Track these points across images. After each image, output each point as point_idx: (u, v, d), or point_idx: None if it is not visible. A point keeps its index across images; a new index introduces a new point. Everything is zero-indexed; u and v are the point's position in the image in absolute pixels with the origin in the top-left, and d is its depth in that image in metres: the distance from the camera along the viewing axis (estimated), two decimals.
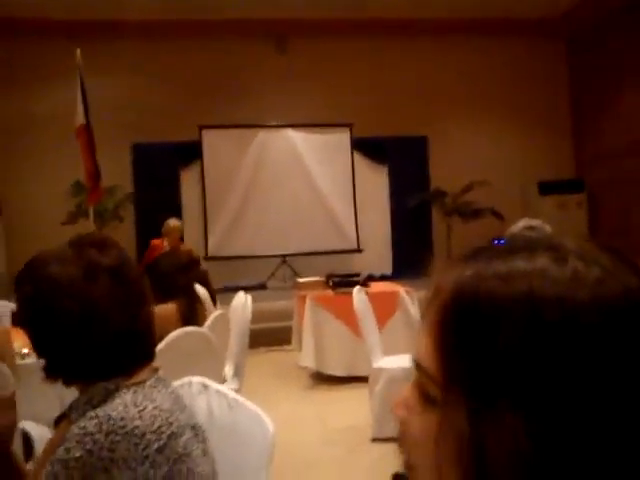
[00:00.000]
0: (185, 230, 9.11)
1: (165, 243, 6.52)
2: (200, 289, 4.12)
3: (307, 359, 5.45)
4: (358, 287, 4.40)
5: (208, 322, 3.35)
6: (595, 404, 0.45)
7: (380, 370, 4.06)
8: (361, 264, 9.00)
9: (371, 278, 7.74)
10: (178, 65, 9.06)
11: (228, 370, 4.18)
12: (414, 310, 4.71)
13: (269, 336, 6.79)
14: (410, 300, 5.36)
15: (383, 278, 8.70)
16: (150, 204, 8.73)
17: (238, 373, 4.15)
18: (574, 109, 10.60)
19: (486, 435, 0.47)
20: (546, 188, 10.01)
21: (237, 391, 4.04)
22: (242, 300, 4.41)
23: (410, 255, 9.14)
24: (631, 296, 0.49)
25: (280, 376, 5.93)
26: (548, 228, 3.02)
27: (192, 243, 9.04)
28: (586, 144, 10.37)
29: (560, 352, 0.46)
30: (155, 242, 6.73)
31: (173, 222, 6.66)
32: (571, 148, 10.61)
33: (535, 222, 3.08)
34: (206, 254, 8.94)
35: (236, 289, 9.20)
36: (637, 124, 8.95)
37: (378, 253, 9.48)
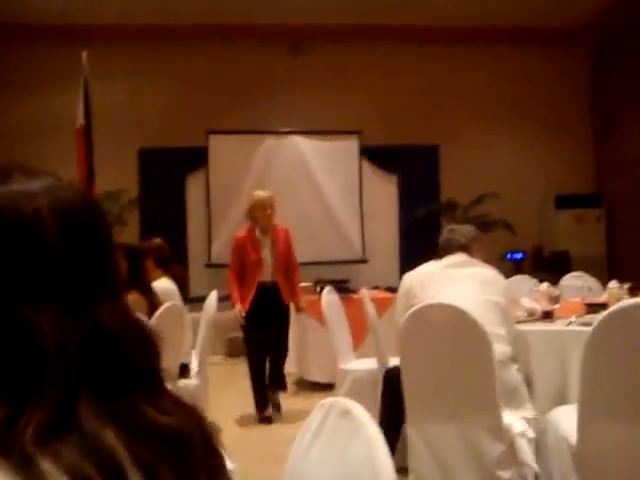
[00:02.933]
0: (189, 237, 9.12)
1: None
2: (168, 285, 4.05)
3: (290, 365, 5.31)
4: (328, 289, 4.26)
5: (157, 314, 3.26)
6: None
7: (345, 372, 3.91)
8: (368, 275, 8.81)
9: (377, 288, 7.60)
10: (186, 69, 9.04)
11: (193, 366, 4.13)
12: None
13: None
14: None
15: (390, 290, 8.50)
16: (155, 209, 8.70)
17: (202, 369, 4.07)
18: (594, 121, 10.31)
19: None
20: (563, 201, 9.71)
21: (198, 387, 3.94)
22: (212, 298, 4.34)
23: (418, 267, 8.92)
24: None
25: None
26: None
27: (196, 250, 9.04)
28: (606, 157, 10.06)
29: None
30: None
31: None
32: (590, 161, 10.30)
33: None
34: (209, 261, 8.86)
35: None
36: None
37: (385, 264, 9.27)
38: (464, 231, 3.31)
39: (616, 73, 9.77)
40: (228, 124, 8.99)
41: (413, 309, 2.70)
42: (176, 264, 5.04)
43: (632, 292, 3.62)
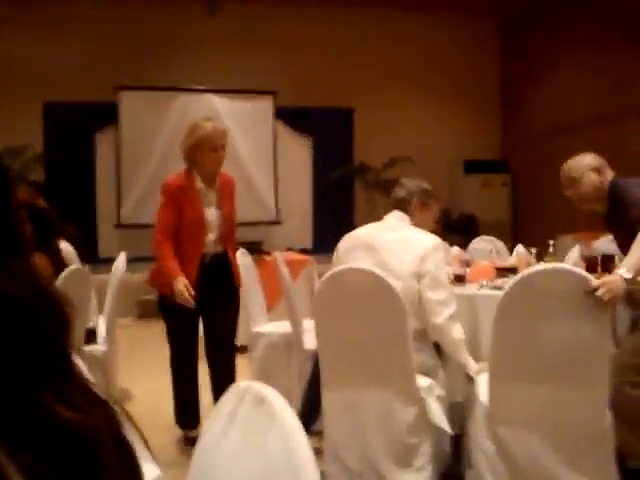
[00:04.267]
0: (98, 196, 8.78)
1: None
2: (65, 247, 3.89)
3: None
4: (241, 250, 4.20)
5: (60, 277, 3.11)
6: None
7: (259, 335, 3.89)
8: (281, 237, 8.80)
9: (290, 250, 7.60)
10: (97, 20, 8.54)
11: (101, 331, 4.00)
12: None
13: None
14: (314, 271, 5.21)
15: (303, 251, 8.51)
16: (61, 167, 8.31)
17: (110, 333, 3.95)
18: (504, 90, 10.58)
19: None
20: (472, 167, 9.99)
21: (106, 354, 3.82)
22: (121, 260, 4.20)
23: (331, 229, 8.97)
24: None
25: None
26: None
27: (105, 210, 8.72)
28: (513, 126, 10.37)
29: None
30: None
31: None
32: (499, 129, 10.60)
33: None
34: (118, 222, 8.58)
35: (150, 259, 8.89)
36: (562, 108, 8.96)
37: (298, 226, 9.28)
38: (408, 184, 3.10)
39: (524, 45, 10.02)
40: (140, 81, 8.63)
41: (329, 272, 2.68)
42: (69, 224, 4.83)
43: (539, 256, 3.76)
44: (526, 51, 9.93)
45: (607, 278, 2.34)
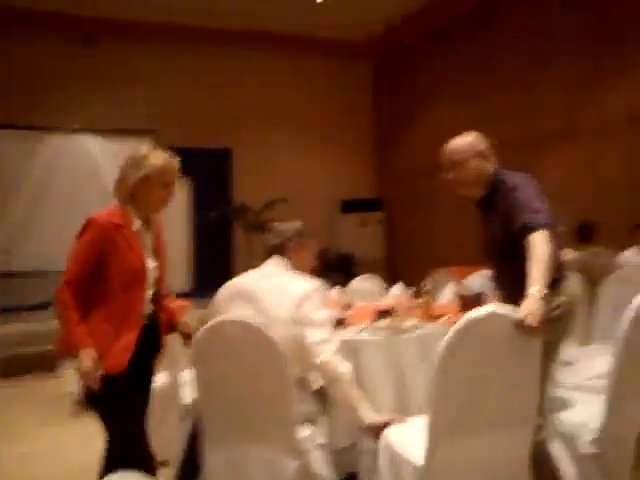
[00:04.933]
0: None
1: None
2: None
3: (71, 384, 4.93)
4: None
5: None
6: None
7: None
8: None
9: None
10: None
11: None
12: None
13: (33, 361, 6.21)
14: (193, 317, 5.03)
15: (182, 296, 8.27)
16: None
17: None
18: (376, 131, 10.95)
19: None
20: (348, 206, 10.23)
21: None
22: None
23: (211, 271, 8.84)
24: None
25: (42, 404, 5.38)
26: None
27: None
28: (387, 165, 10.74)
29: None
30: None
31: None
32: (373, 168, 10.93)
33: None
34: None
35: (17, 309, 8.28)
36: (433, 147, 9.36)
37: (176, 269, 9.05)
38: (281, 229, 3.00)
39: (396, 87, 10.46)
40: (11, 118, 8.17)
41: (208, 324, 2.60)
42: None
43: (417, 295, 3.83)
44: (398, 93, 10.37)
45: (526, 304, 2.23)
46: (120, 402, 2.55)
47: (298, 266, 2.96)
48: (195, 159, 9.29)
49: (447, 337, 2.14)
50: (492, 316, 2.17)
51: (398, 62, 10.40)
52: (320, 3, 8.76)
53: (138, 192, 2.68)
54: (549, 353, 2.48)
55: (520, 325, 2.16)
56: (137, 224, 2.69)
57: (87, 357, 2.43)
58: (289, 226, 3.05)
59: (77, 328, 2.47)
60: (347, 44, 10.26)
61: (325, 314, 2.74)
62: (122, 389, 2.53)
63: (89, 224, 2.58)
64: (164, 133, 8.86)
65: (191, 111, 9.26)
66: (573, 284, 2.70)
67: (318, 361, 2.61)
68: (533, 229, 2.44)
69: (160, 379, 3.66)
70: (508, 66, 8.24)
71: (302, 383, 2.72)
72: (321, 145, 10.32)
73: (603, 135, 7.07)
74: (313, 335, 2.63)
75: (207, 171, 9.39)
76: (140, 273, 2.62)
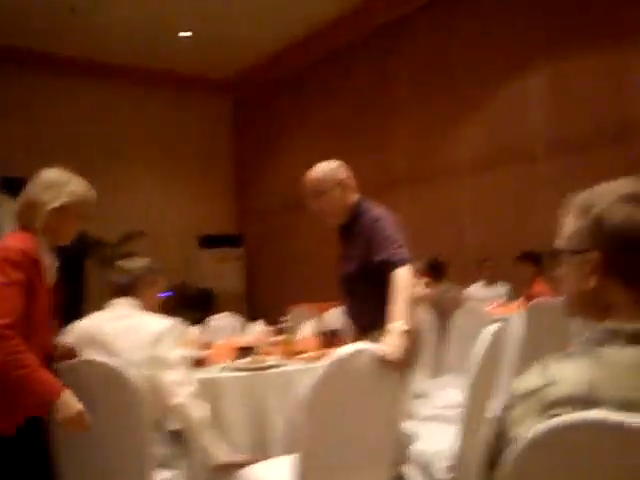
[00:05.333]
0: None
1: None
2: None
3: None
4: None
5: None
6: None
7: None
8: None
9: None
10: None
11: None
12: None
13: None
14: None
15: None
16: None
17: None
18: (236, 166, 10.98)
19: None
20: (207, 241, 10.14)
21: None
22: None
23: (62, 308, 8.35)
24: None
25: None
26: None
27: None
28: (246, 200, 10.77)
29: None
30: None
31: None
32: (233, 204, 10.92)
33: None
34: None
35: None
36: (288, 184, 9.54)
37: None
38: (130, 267, 2.85)
39: (256, 124, 10.58)
40: None
41: (63, 365, 2.45)
42: None
43: (277, 332, 3.84)
44: (259, 129, 10.49)
45: (388, 339, 2.25)
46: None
47: (148, 305, 2.86)
48: None
49: (315, 375, 2.13)
50: (358, 353, 2.19)
51: (258, 99, 10.55)
52: (182, 38, 8.74)
53: (52, 222, 2.32)
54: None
55: (383, 361, 2.19)
56: (47, 259, 2.32)
57: (71, 399, 2.16)
58: (138, 263, 2.91)
59: (41, 373, 2.12)
60: (208, 79, 10.28)
61: (180, 354, 2.67)
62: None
63: (12, 254, 2.19)
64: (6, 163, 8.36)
65: (38, 142, 8.82)
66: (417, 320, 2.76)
67: (173, 403, 2.53)
68: (397, 264, 2.50)
69: None
70: (360, 109, 8.62)
71: (159, 425, 2.63)
72: (180, 179, 10.19)
73: (452, 178, 7.55)
74: (168, 376, 2.55)
75: None
76: (48, 313, 2.34)
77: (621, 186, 1.11)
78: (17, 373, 2.09)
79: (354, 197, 2.88)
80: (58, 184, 2.37)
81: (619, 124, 6.06)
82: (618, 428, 0.93)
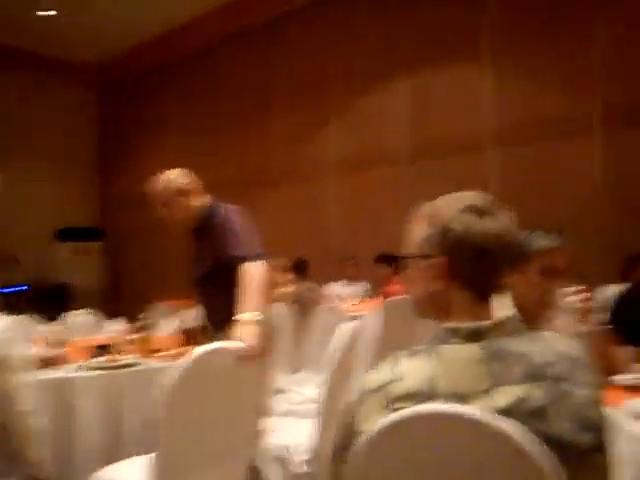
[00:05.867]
0: None
1: None
2: None
3: None
4: None
5: None
6: None
7: None
8: None
9: None
10: None
11: None
12: None
13: None
14: None
15: None
16: None
17: None
18: (101, 157, 10.57)
19: None
20: (65, 234, 9.69)
21: None
22: None
23: None
24: None
25: None
26: None
27: None
28: (109, 193, 10.40)
29: None
30: None
31: None
32: (95, 196, 10.51)
33: None
34: None
35: None
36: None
37: None
38: None
39: (120, 114, 10.24)
40: None
41: None
42: None
43: (136, 329, 3.74)
44: (124, 122, 10.15)
45: (241, 331, 2.27)
46: None
47: None
48: None
49: (172, 375, 2.11)
50: (215, 352, 2.19)
51: (126, 92, 10.21)
52: (42, 16, 8.27)
53: None
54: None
55: (240, 356, 2.21)
56: None
57: None
58: None
59: None
60: (71, 64, 9.79)
61: (23, 355, 2.53)
62: None
63: None
64: None
65: None
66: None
67: (15, 410, 2.38)
68: (246, 259, 2.54)
69: None
70: (231, 107, 8.59)
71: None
72: (47, 169, 9.64)
73: (319, 180, 7.71)
74: (10, 381, 2.40)
75: None
76: None
77: (464, 197, 1.21)
78: None
79: (202, 201, 2.91)
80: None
81: (472, 135, 6.49)
82: (450, 417, 1.01)
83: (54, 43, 9.00)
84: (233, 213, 2.81)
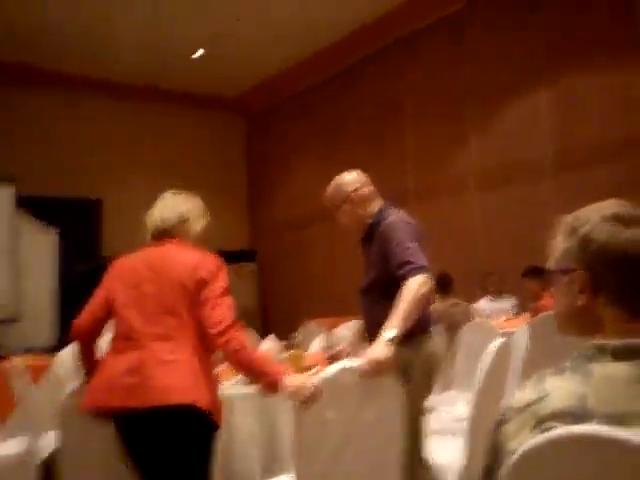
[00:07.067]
0: None
1: None
2: None
3: None
4: None
5: None
6: None
7: None
8: (19, 335, 8.03)
9: (30, 352, 6.94)
10: None
11: None
12: None
13: None
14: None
15: (44, 351, 7.83)
16: None
17: None
18: (250, 184, 11.07)
19: None
20: (222, 258, 10.18)
21: None
22: None
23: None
24: None
25: None
26: None
27: None
28: (260, 216, 10.85)
29: None
30: None
31: None
32: (246, 220, 10.99)
33: None
34: None
35: None
36: (301, 200, 9.61)
37: (39, 324, 8.56)
38: None
39: (269, 141, 10.69)
40: None
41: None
42: None
43: (288, 347, 3.89)
44: (271, 146, 10.60)
45: (371, 349, 2.23)
46: None
47: None
48: (62, 209, 8.97)
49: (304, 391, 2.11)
50: (342, 372, 2.18)
51: (270, 116, 10.65)
52: (195, 59, 8.88)
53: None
54: (413, 411, 2.47)
55: (361, 373, 2.17)
56: None
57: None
58: None
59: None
60: (221, 99, 10.41)
61: None
62: None
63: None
64: (29, 182, 8.47)
65: (59, 161, 8.97)
66: (435, 341, 2.71)
67: None
68: (410, 273, 2.40)
69: (18, 445, 3.38)
70: (368, 130, 8.73)
71: None
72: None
73: (461, 193, 7.61)
74: None
75: (75, 222, 9.08)
76: None
77: (606, 207, 1.16)
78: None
79: (370, 208, 2.78)
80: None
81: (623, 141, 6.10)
82: (607, 442, 0.96)
83: (201, 82, 9.63)
84: (399, 221, 2.63)
